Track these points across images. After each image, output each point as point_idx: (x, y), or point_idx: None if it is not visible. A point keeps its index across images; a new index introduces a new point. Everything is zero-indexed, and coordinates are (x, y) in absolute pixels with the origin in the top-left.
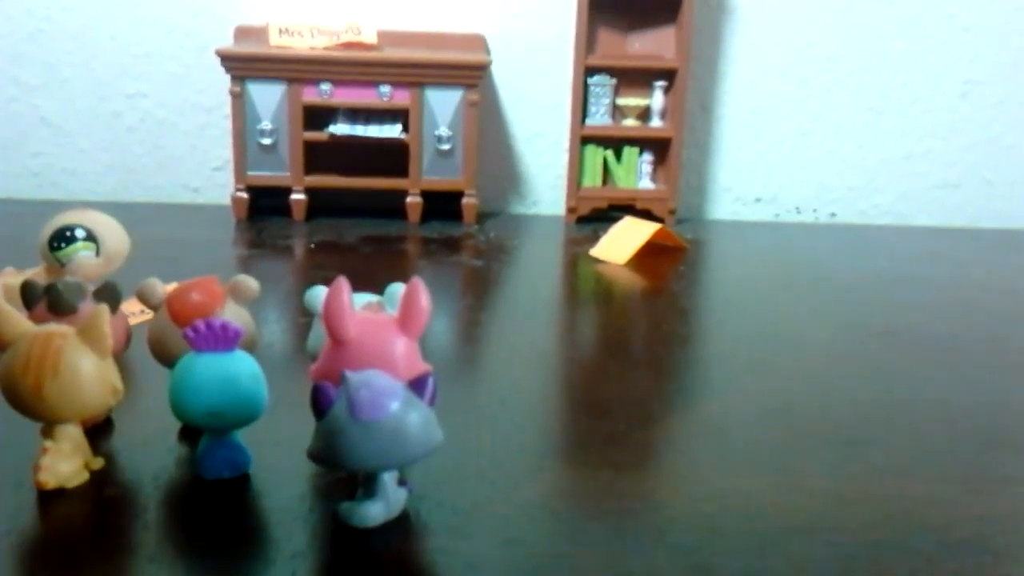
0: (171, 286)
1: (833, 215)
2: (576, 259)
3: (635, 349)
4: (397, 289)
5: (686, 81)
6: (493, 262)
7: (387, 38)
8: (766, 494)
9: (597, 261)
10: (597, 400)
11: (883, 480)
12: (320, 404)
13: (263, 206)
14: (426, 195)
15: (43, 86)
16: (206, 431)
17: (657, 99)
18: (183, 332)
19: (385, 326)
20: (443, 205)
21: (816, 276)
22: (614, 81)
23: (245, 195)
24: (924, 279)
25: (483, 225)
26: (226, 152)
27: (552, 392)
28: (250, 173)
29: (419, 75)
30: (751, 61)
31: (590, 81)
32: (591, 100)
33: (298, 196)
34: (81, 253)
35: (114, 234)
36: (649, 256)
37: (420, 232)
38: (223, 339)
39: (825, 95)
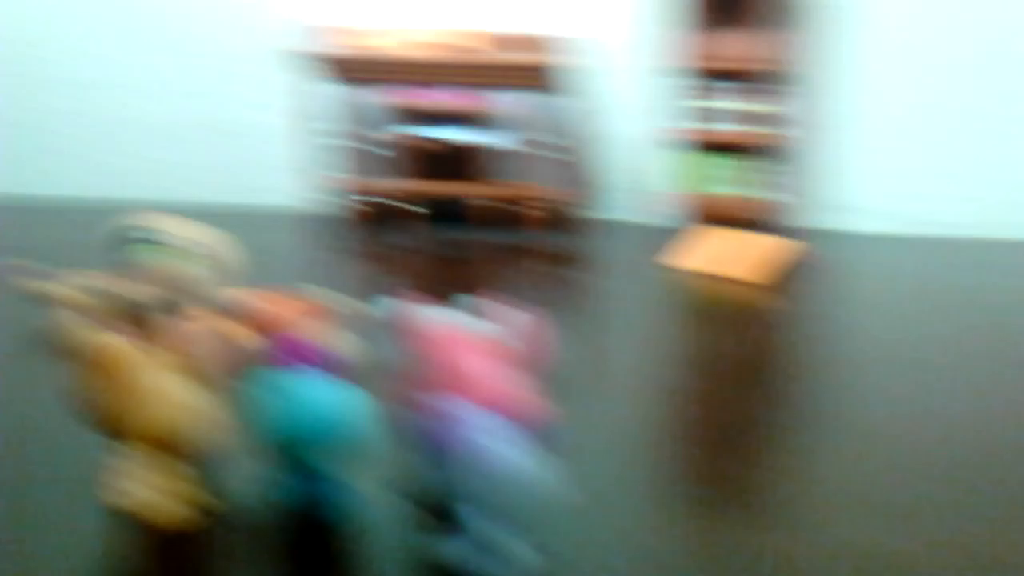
0: (260, 296)
1: (975, 230)
2: (683, 273)
3: (753, 375)
4: (512, 316)
5: (808, 85)
6: (579, 274)
7: (467, 40)
8: (915, 557)
9: (708, 276)
10: (712, 434)
11: None
12: (419, 439)
13: (370, 212)
14: (506, 200)
15: (105, 86)
16: (295, 463)
17: (776, 104)
18: (266, 349)
19: (498, 356)
20: (523, 211)
21: (956, 297)
22: (727, 84)
23: (349, 202)
24: None
25: (565, 232)
26: (298, 154)
27: (664, 424)
28: (352, 179)
29: (497, 78)
30: (883, 64)
31: (697, 83)
32: (699, 103)
33: (402, 203)
34: (181, 262)
35: (217, 243)
36: (767, 272)
37: (496, 239)
38: (311, 358)
39: (963, 104)
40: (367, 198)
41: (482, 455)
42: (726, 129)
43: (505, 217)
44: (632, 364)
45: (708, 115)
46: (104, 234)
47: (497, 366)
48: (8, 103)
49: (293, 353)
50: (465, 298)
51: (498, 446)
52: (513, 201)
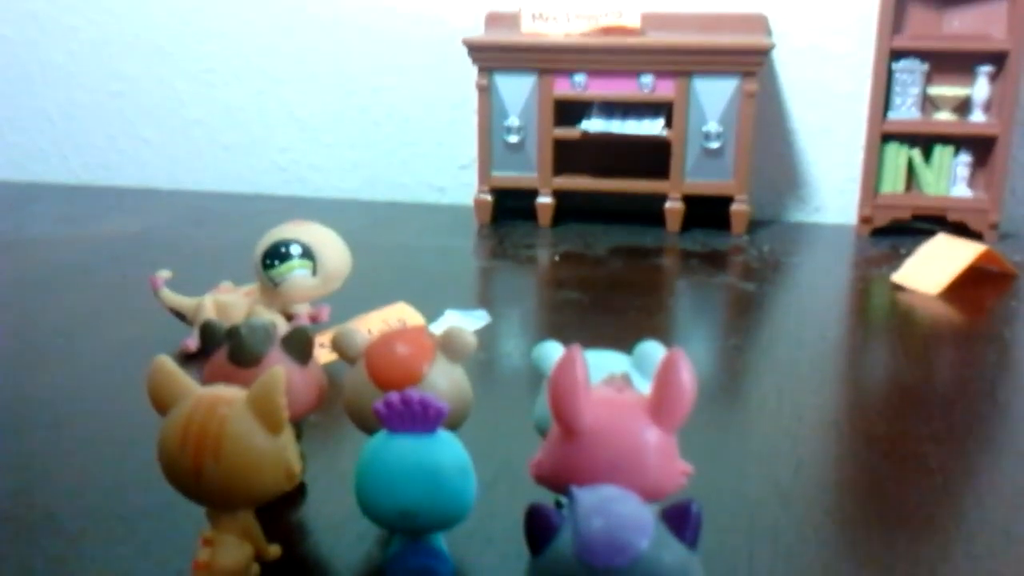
0: (372, 322)
1: None
2: (872, 285)
3: (950, 414)
4: (651, 353)
5: (1019, 66)
6: (767, 285)
7: (652, 21)
8: None
9: (900, 289)
10: (904, 492)
11: None
12: (537, 534)
13: (508, 207)
14: (689, 200)
15: (292, 79)
16: (399, 532)
17: (980, 88)
18: (373, 407)
19: (631, 412)
20: (708, 212)
21: None
22: (926, 66)
23: (489, 197)
24: None
25: (755, 236)
26: (473, 149)
27: (842, 479)
28: (495, 174)
29: (687, 62)
30: None
31: (895, 66)
32: (895, 89)
33: (545, 199)
34: (296, 272)
35: (333, 251)
36: (968, 285)
37: (680, 243)
38: (422, 419)
39: None
40: (539, 196)
41: (621, 556)
42: (921, 117)
43: (674, 215)
44: (811, 404)
45: (914, 102)
46: (241, 243)
47: (641, 429)
48: (182, 101)
49: (414, 412)
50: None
51: (641, 543)
52: (681, 198)
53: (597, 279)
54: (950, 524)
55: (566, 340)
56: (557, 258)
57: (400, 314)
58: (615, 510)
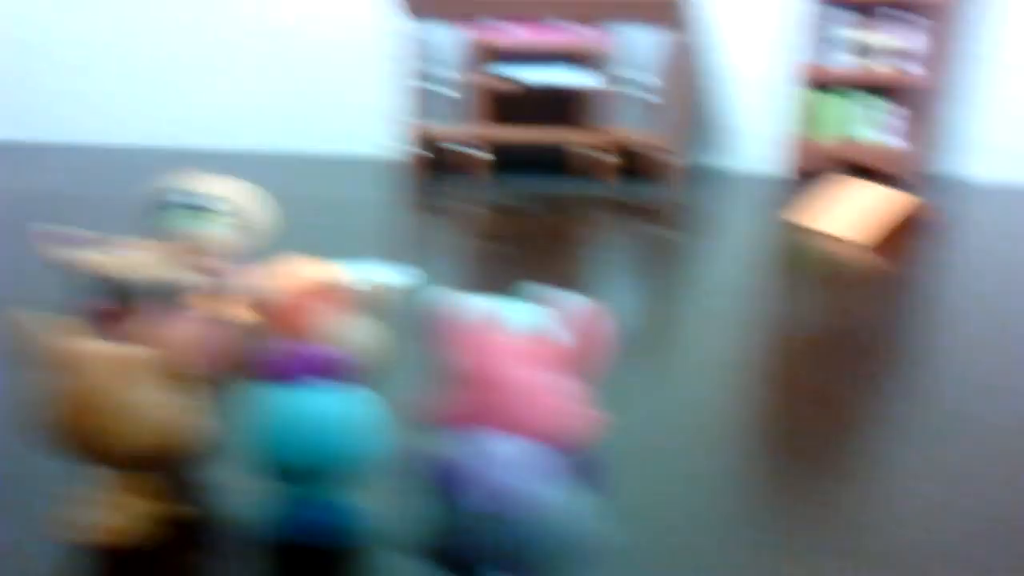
0: (277, 276)
1: None
2: (797, 232)
3: (868, 359)
4: (570, 303)
5: (954, 17)
6: (694, 234)
7: None
8: None
9: (824, 235)
10: (822, 436)
11: None
12: (436, 484)
13: (437, 160)
14: (619, 150)
15: (205, 26)
16: (299, 486)
17: (913, 38)
18: (274, 359)
19: (537, 361)
20: (639, 162)
21: None
22: (858, 15)
23: (417, 149)
24: None
25: (683, 186)
26: (401, 100)
27: (764, 425)
28: (423, 125)
29: (617, 12)
30: None
31: (826, 15)
32: (829, 39)
33: (474, 150)
34: (208, 225)
35: (249, 205)
36: (890, 233)
37: (610, 194)
38: (321, 370)
39: None
40: (449, 145)
41: (509, 502)
42: (850, 65)
43: (605, 167)
44: (734, 347)
45: (831, 49)
46: (148, 197)
47: (543, 375)
48: (81, 51)
49: (302, 363)
50: (530, 288)
51: (531, 489)
52: (611, 149)
53: (525, 231)
54: (868, 467)
55: (492, 291)
56: (484, 210)
57: (317, 269)
58: (511, 459)
